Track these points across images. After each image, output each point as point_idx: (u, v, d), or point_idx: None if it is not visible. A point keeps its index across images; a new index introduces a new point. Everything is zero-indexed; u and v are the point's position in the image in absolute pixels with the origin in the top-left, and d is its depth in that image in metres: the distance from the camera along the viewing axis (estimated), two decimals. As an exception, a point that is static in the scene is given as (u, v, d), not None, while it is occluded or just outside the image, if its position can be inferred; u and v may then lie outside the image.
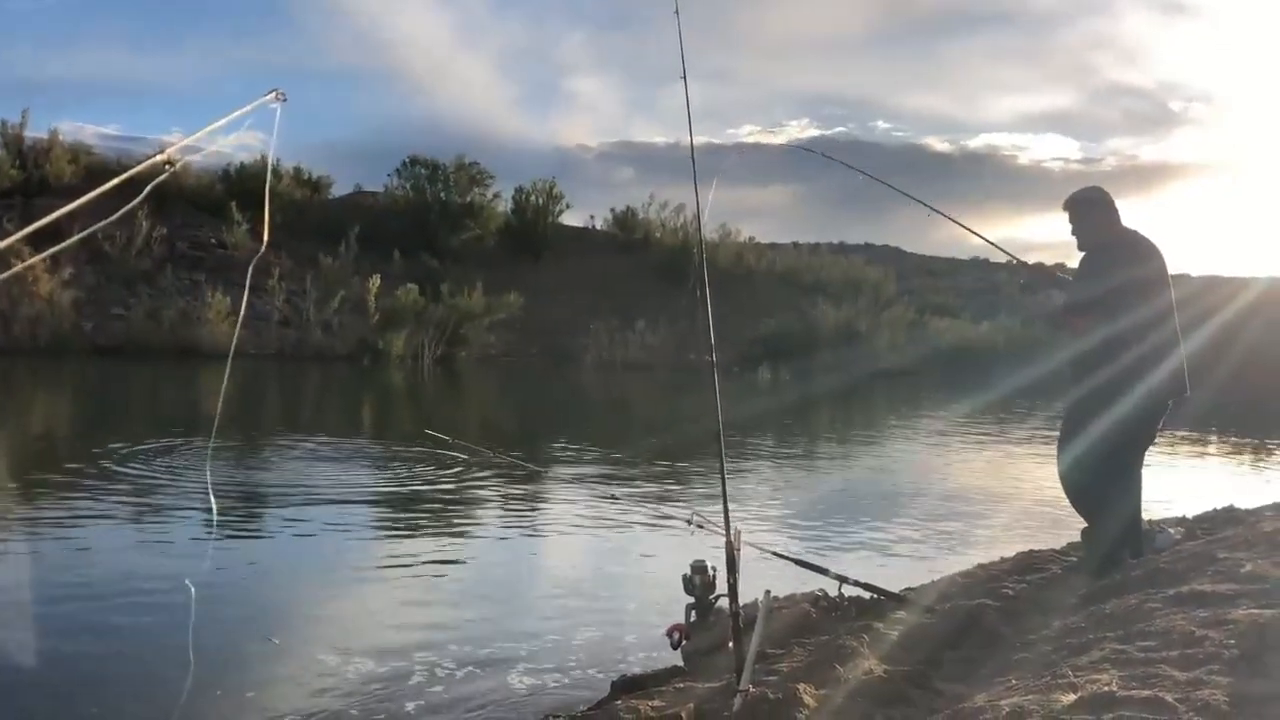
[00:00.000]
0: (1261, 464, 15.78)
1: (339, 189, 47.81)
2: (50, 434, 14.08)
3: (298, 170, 44.58)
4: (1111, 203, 5.27)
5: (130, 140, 59.66)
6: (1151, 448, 5.27)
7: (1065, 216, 5.35)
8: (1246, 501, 7.40)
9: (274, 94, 2.23)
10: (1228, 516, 6.77)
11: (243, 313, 28.21)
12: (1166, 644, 3.09)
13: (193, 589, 3.63)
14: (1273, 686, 2.54)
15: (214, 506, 5.72)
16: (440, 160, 45.45)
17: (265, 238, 2.69)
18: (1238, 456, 16.62)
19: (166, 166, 2.02)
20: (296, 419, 18.12)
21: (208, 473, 2.57)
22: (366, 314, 34.98)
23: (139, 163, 2.25)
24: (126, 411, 17.84)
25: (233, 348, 14.23)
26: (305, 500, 9.36)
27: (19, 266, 2.13)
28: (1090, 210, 5.26)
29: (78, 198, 2.05)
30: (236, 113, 2.14)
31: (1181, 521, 6.66)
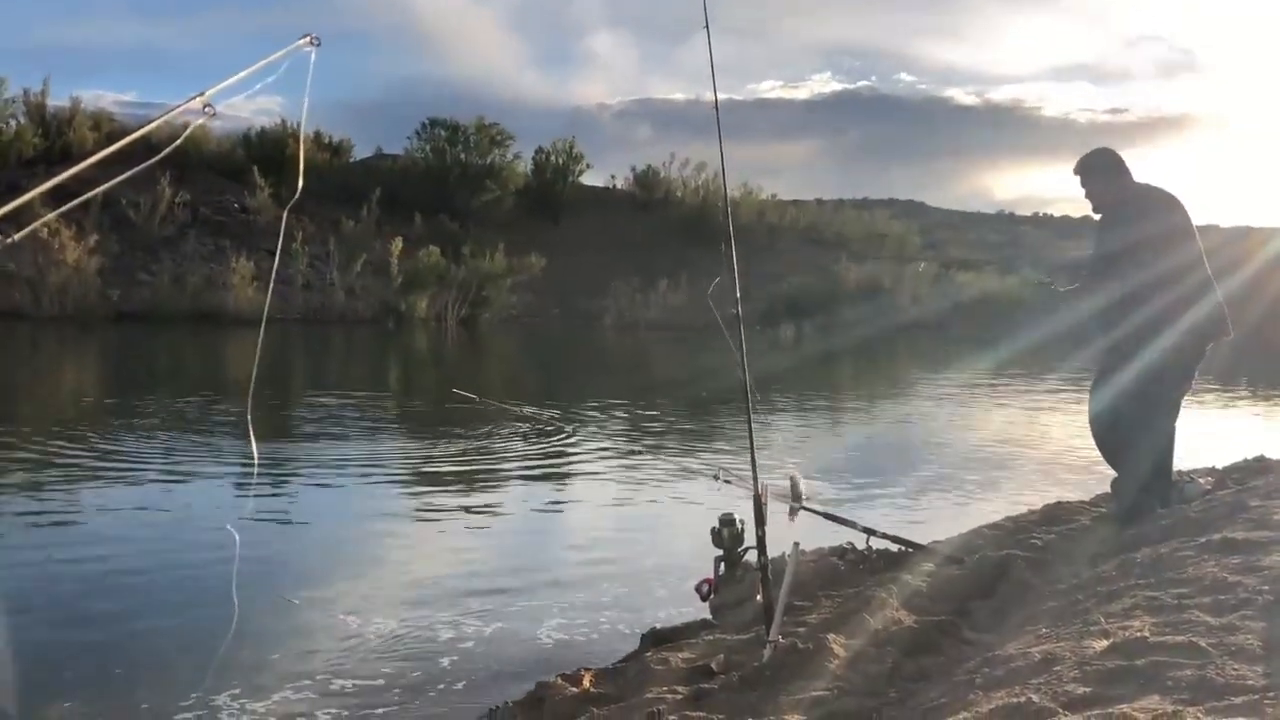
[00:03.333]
0: (1291, 414, 15.64)
1: (359, 152, 47.81)
2: (87, 395, 14.25)
3: (318, 134, 44.60)
4: (1120, 162, 5.22)
5: (148, 106, 59.84)
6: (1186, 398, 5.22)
7: (1077, 181, 5.31)
8: (1277, 451, 7.34)
9: (308, 39, 2.19)
10: (1259, 466, 6.71)
11: (275, 270, 28.28)
12: (1199, 590, 3.07)
13: (237, 535, 3.71)
14: (1307, 630, 2.53)
15: (255, 453, 5.80)
16: (460, 121, 45.29)
17: (299, 184, 2.66)
18: (1268, 406, 16.47)
19: (205, 109, 1.99)
20: (325, 380, 18.25)
21: (249, 420, 2.58)
22: (389, 277, 35.08)
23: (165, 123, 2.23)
24: (159, 374, 18.02)
25: (268, 302, 14.34)
26: (337, 458, 9.45)
27: (49, 216, 2.11)
28: (1100, 173, 5.22)
29: (101, 165, 2.04)
30: (272, 57, 2.10)
31: (1211, 471, 6.61)
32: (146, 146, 2.13)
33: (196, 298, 31.03)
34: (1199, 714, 2.02)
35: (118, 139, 2.00)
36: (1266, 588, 2.92)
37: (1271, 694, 2.12)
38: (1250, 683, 2.22)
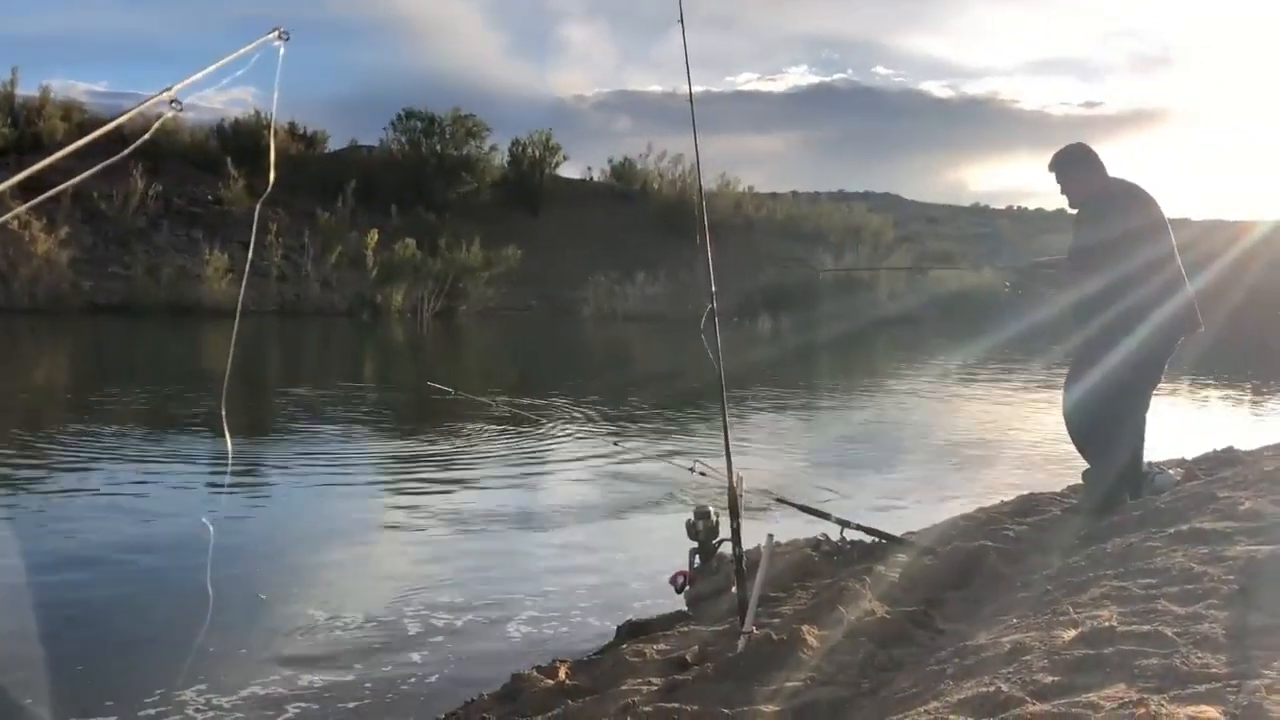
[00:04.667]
0: (1261, 405, 15.83)
1: (334, 143, 47.47)
2: (59, 388, 14.12)
3: (292, 125, 44.24)
4: (1094, 157, 5.29)
5: (120, 96, 59.22)
6: (1155, 391, 5.29)
7: (1053, 177, 5.36)
8: (1246, 442, 7.44)
9: (276, 33, 2.18)
10: (1227, 457, 6.80)
11: (249, 264, 28.02)
12: (1166, 580, 3.12)
13: (211, 527, 3.69)
14: (1269, 619, 2.57)
15: (229, 447, 5.74)
16: (435, 113, 45.03)
17: (270, 177, 2.63)
18: (1237, 398, 16.66)
19: (172, 105, 1.97)
20: (300, 373, 18.16)
21: (223, 414, 2.56)
22: (365, 269, 34.90)
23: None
24: (133, 367, 17.86)
25: (241, 295, 14.22)
26: (311, 452, 9.42)
27: (19, 208, 2.10)
28: (1074, 167, 5.28)
29: (72, 157, 2.02)
30: (240, 51, 2.09)
31: (1181, 462, 6.69)
32: (118, 138, 2.12)
33: (170, 290, 30.74)
34: (1164, 702, 2.05)
35: (89, 130, 1.98)
36: (1232, 577, 2.97)
37: (1235, 682, 2.16)
38: (1214, 671, 2.26)
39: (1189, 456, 7.12)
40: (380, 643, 4.60)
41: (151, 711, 3.78)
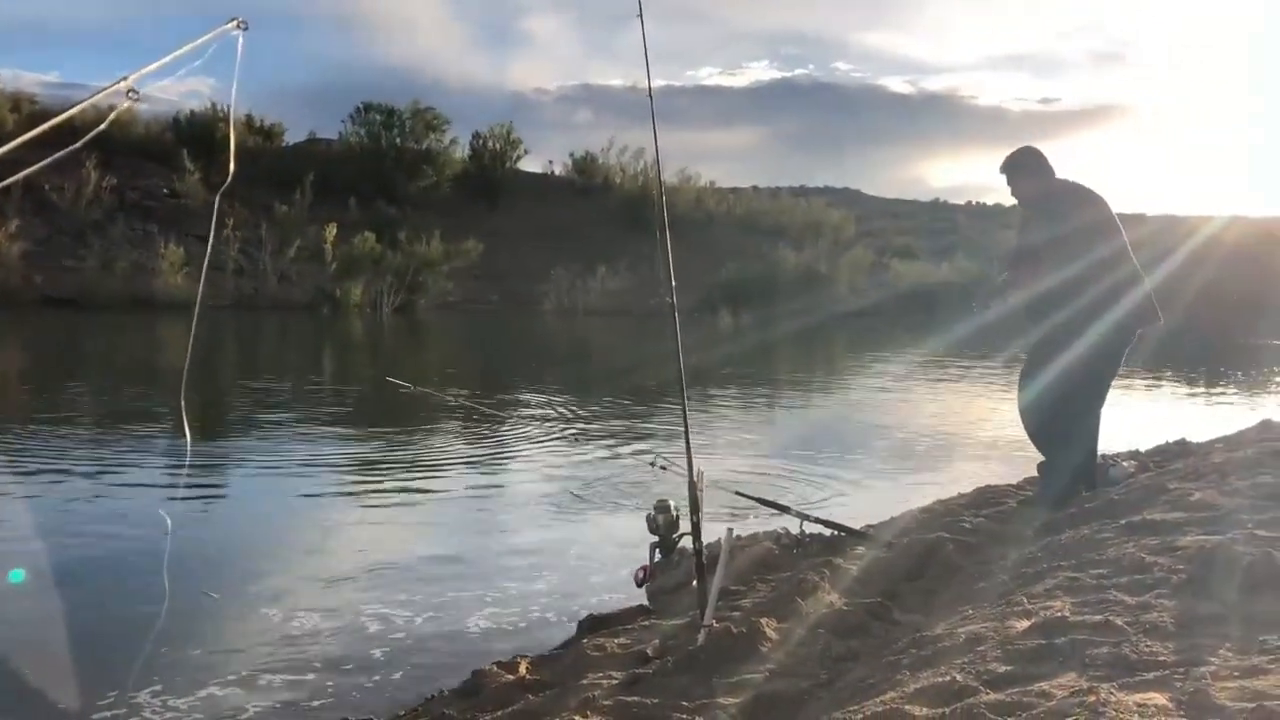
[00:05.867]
0: (1213, 398, 16.11)
1: (292, 136, 47.04)
2: (12, 383, 13.87)
3: (250, 117, 43.81)
4: (1044, 160, 5.40)
5: (72, 87, 58.23)
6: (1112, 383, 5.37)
7: (1004, 179, 5.46)
8: (1198, 435, 7.57)
9: (235, 22, 2.15)
10: (1180, 449, 6.93)
11: (208, 258, 27.66)
12: (1118, 571, 3.17)
13: (169, 521, 3.63)
14: (1216, 607, 2.63)
15: (188, 442, 5.68)
16: (395, 105, 44.75)
17: (230, 169, 2.58)
18: (1191, 391, 16.94)
19: (128, 95, 1.93)
20: (257, 369, 17.97)
21: (182, 409, 2.51)
22: (324, 263, 34.62)
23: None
24: (87, 361, 17.59)
25: (201, 289, 14.03)
26: (268, 447, 9.33)
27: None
28: (1024, 171, 5.39)
29: (23, 148, 1.98)
30: (198, 41, 2.05)
31: (1135, 455, 6.80)
32: (69, 130, 2.08)
33: (125, 283, 30.34)
34: (1113, 690, 2.09)
35: (39, 121, 1.94)
36: (1181, 567, 3.03)
37: (1182, 669, 2.21)
38: (1162, 659, 2.31)
39: (1143, 449, 7.24)
40: (339, 641, 4.54)
41: (106, 714, 3.70)
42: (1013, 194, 5.46)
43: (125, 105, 2.02)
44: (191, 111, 41.48)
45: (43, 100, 38.68)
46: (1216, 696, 2.01)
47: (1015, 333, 5.67)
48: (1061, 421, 5.22)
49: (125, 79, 1.94)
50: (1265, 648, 2.28)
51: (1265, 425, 7.06)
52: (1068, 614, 2.72)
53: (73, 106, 1.99)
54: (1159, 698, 2.02)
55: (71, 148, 2.19)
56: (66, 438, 9.36)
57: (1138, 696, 2.03)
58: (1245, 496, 4.02)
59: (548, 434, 10.48)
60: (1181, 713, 1.95)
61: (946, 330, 25.43)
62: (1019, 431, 5.62)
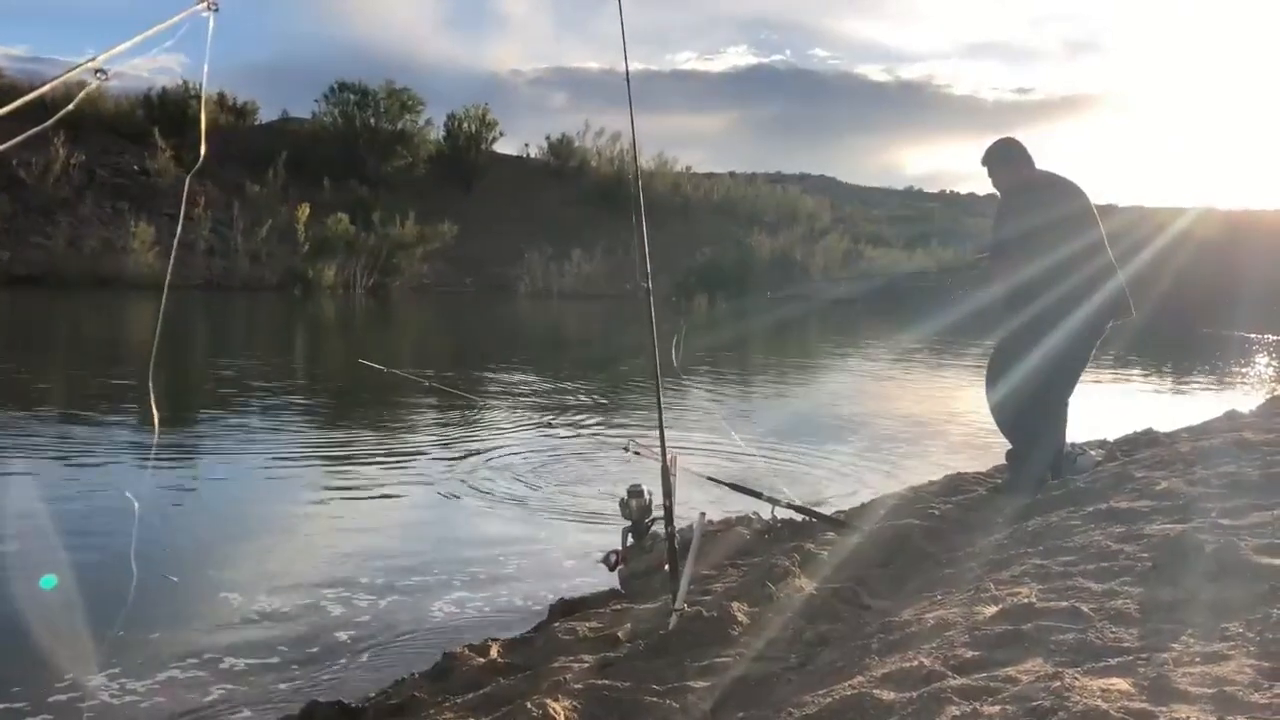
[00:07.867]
0: (1180, 389, 16.29)
1: (265, 115, 46.56)
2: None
3: (222, 96, 43.29)
4: (1023, 151, 5.45)
5: (41, 62, 57.37)
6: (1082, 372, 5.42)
7: (985, 171, 5.51)
8: (1165, 424, 7.65)
9: (206, 2, 2.13)
10: (1147, 438, 7.00)
11: (178, 236, 27.29)
12: (1084, 558, 3.21)
13: (136, 504, 3.59)
14: (1180, 594, 2.67)
15: (155, 425, 5.58)
16: (369, 85, 44.34)
17: (201, 151, 2.55)
18: (1159, 382, 17.12)
19: (98, 75, 1.91)
20: (227, 349, 17.82)
21: (150, 390, 2.47)
22: (296, 243, 34.33)
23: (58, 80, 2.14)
24: (53, 341, 17.39)
25: (170, 268, 13.89)
26: (237, 430, 9.26)
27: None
28: (1004, 162, 5.44)
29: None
30: (168, 22, 2.03)
31: (1103, 444, 6.87)
32: (39, 105, 2.06)
33: (94, 262, 29.96)
34: (1078, 675, 2.12)
35: (7, 97, 1.92)
36: (1146, 555, 3.07)
37: (1145, 655, 2.24)
38: (1126, 645, 2.34)
39: (1110, 438, 7.32)
40: (307, 624, 4.50)
41: (62, 698, 3.62)
42: (994, 185, 5.50)
43: (94, 85, 2.00)
44: (164, 89, 40.96)
45: (11, 75, 38.07)
46: (1178, 682, 2.04)
47: (993, 323, 5.70)
48: (1031, 412, 5.27)
49: (94, 59, 1.92)
50: (1226, 634, 2.31)
51: (1230, 416, 7.16)
52: (1034, 600, 2.76)
53: (43, 85, 1.97)
54: (1122, 683, 2.06)
55: (39, 128, 2.16)
56: (31, 418, 9.26)
57: (1102, 682, 2.06)
58: (1210, 486, 4.07)
59: (521, 418, 10.47)
60: (1144, 698, 1.98)
61: (920, 318, 25.57)
62: (990, 420, 5.67)
